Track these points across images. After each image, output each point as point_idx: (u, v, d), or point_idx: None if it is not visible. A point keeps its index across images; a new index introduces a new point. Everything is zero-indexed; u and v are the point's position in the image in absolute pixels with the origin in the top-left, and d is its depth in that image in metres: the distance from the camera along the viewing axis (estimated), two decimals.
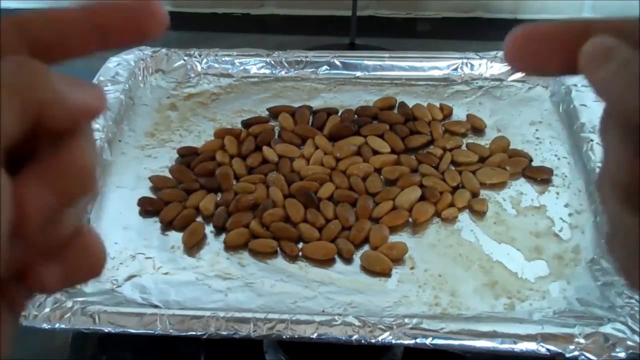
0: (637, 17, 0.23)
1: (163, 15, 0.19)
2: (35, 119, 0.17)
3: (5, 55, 0.18)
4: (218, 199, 0.63)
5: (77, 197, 0.18)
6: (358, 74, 0.78)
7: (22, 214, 0.17)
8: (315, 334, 0.49)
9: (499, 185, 0.64)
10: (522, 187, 0.64)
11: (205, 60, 0.79)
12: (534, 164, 0.66)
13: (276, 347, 0.53)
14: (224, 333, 0.49)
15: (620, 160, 0.21)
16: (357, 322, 0.49)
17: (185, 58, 0.79)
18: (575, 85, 0.72)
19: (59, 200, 0.18)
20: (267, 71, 0.79)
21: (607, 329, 0.48)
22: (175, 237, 0.59)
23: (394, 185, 0.64)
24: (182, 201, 0.63)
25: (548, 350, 0.47)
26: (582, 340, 0.47)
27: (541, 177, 0.65)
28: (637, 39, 0.22)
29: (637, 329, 0.48)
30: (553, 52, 0.22)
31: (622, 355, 0.47)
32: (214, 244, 0.59)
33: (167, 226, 0.60)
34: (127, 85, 0.73)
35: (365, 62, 0.79)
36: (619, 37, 0.22)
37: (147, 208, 0.62)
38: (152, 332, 0.49)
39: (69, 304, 0.50)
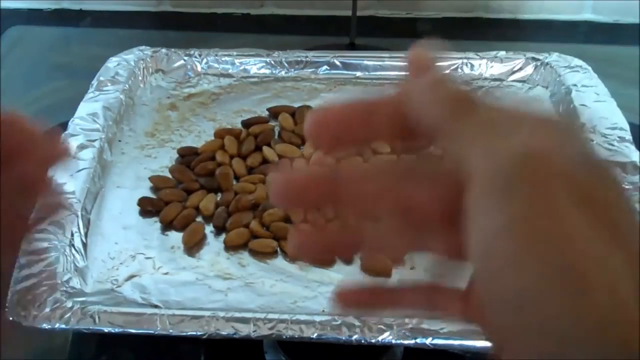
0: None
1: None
2: None
3: None
4: (218, 199, 0.63)
5: None
6: (358, 74, 0.78)
7: None
8: (315, 334, 0.49)
9: None
10: None
11: (205, 60, 0.79)
12: None
13: (276, 347, 0.53)
14: (224, 333, 0.49)
15: None
16: (357, 322, 0.49)
17: (185, 58, 0.79)
18: (575, 85, 0.72)
19: None
20: (267, 71, 0.79)
21: None
22: (175, 237, 0.59)
23: None
24: (182, 201, 0.63)
25: None
26: None
27: None
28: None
29: None
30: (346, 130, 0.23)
31: None
32: (214, 244, 0.59)
33: (167, 226, 0.60)
34: (127, 85, 0.73)
35: (365, 62, 0.79)
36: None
37: (147, 208, 0.62)
38: (152, 332, 0.49)
39: (69, 304, 0.50)
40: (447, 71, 0.24)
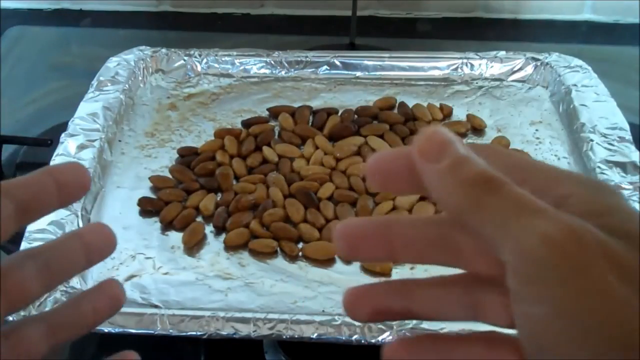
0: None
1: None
2: None
3: None
4: (218, 199, 0.63)
5: None
6: (358, 74, 0.78)
7: None
8: (315, 334, 0.49)
9: None
10: None
11: (205, 60, 0.79)
12: None
13: (276, 347, 0.53)
14: (224, 333, 0.49)
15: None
16: (357, 322, 0.49)
17: (185, 58, 0.79)
18: (575, 85, 0.72)
19: None
20: (267, 71, 0.79)
21: None
22: (175, 237, 0.59)
23: None
24: (182, 201, 0.63)
25: None
26: None
27: None
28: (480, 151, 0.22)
29: None
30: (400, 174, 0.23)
31: None
32: (214, 244, 0.59)
33: (167, 226, 0.60)
34: (127, 85, 0.73)
35: (365, 62, 0.79)
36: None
37: (147, 208, 0.62)
38: (152, 332, 0.49)
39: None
40: (463, 144, 0.22)
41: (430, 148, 0.21)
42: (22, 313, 0.46)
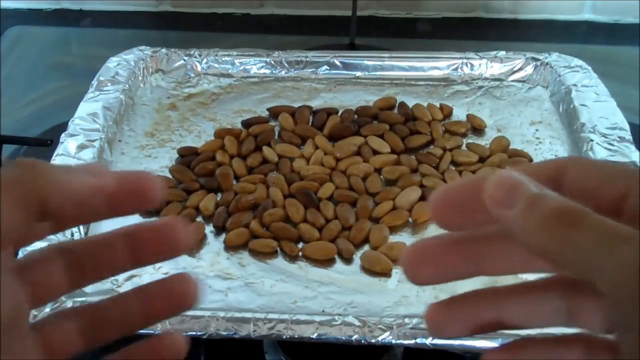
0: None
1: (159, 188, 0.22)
2: (39, 209, 0.19)
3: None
4: (218, 199, 0.63)
5: None
6: (358, 74, 0.78)
7: None
8: (315, 334, 0.49)
9: None
10: None
11: (205, 60, 0.79)
12: None
13: (276, 347, 0.53)
14: (224, 333, 0.49)
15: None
16: (357, 322, 0.49)
17: (185, 58, 0.79)
18: (575, 85, 0.72)
19: None
20: (267, 71, 0.79)
21: None
22: None
23: (394, 186, 0.64)
24: (182, 201, 0.63)
25: None
26: None
27: None
28: (544, 174, 0.21)
29: None
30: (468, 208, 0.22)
31: None
32: (214, 244, 0.59)
33: None
34: (127, 85, 0.73)
35: (365, 62, 0.79)
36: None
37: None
38: (152, 332, 0.49)
39: (69, 303, 0.50)
40: (534, 182, 0.21)
41: (501, 194, 0.20)
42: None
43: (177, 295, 0.23)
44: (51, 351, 0.22)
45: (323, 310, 0.52)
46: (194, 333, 0.49)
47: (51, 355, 0.21)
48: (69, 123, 0.66)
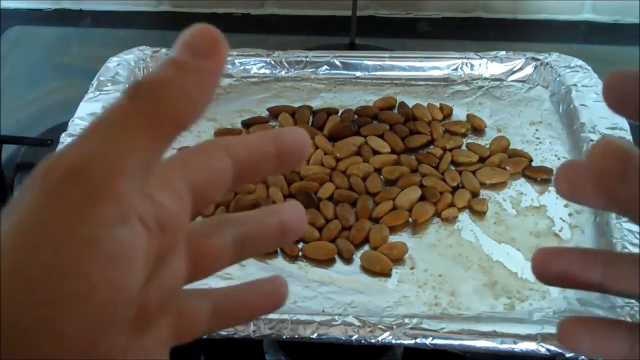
0: None
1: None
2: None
3: None
4: (218, 199, 0.63)
5: None
6: (358, 74, 0.78)
7: None
8: (315, 334, 0.49)
9: (499, 185, 0.64)
10: (522, 187, 0.64)
11: None
12: (534, 164, 0.66)
13: (276, 347, 0.53)
14: (224, 333, 0.49)
15: None
16: (357, 322, 0.49)
17: None
18: (575, 85, 0.72)
19: None
20: (267, 71, 0.79)
21: None
22: None
23: (394, 185, 0.64)
24: None
25: (548, 350, 0.47)
26: None
27: (541, 177, 0.65)
28: None
29: None
30: None
31: None
32: None
33: None
34: (127, 86, 0.73)
35: (365, 62, 0.79)
36: None
37: None
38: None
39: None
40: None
41: (612, 165, 0.18)
42: None
43: (272, 294, 0.24)
44: (183, 331, 0.23)
45: (323, 310, 0.52)
46: None
47: (179, 336, 0.22)
48: (69, 123, 0.66)
